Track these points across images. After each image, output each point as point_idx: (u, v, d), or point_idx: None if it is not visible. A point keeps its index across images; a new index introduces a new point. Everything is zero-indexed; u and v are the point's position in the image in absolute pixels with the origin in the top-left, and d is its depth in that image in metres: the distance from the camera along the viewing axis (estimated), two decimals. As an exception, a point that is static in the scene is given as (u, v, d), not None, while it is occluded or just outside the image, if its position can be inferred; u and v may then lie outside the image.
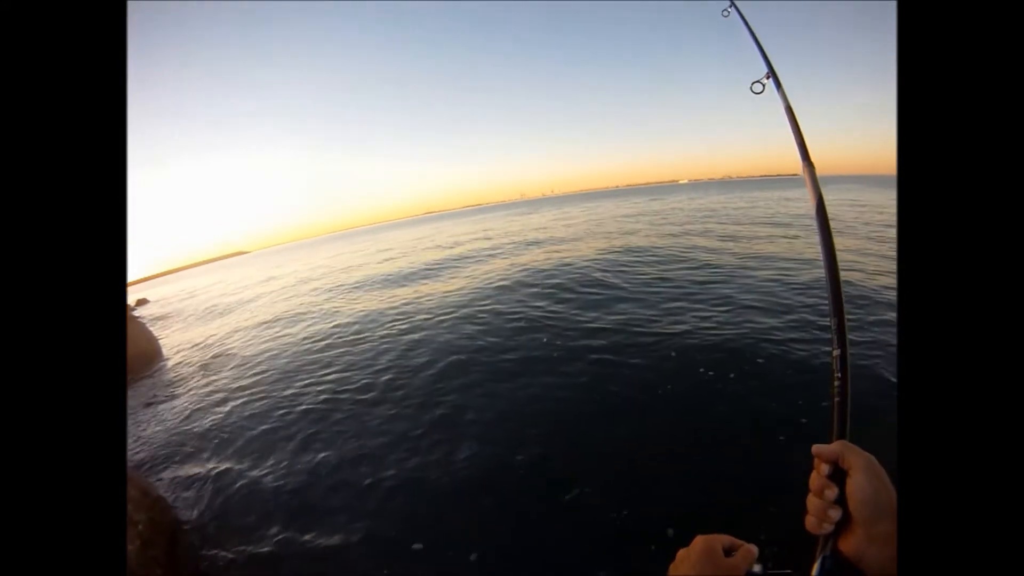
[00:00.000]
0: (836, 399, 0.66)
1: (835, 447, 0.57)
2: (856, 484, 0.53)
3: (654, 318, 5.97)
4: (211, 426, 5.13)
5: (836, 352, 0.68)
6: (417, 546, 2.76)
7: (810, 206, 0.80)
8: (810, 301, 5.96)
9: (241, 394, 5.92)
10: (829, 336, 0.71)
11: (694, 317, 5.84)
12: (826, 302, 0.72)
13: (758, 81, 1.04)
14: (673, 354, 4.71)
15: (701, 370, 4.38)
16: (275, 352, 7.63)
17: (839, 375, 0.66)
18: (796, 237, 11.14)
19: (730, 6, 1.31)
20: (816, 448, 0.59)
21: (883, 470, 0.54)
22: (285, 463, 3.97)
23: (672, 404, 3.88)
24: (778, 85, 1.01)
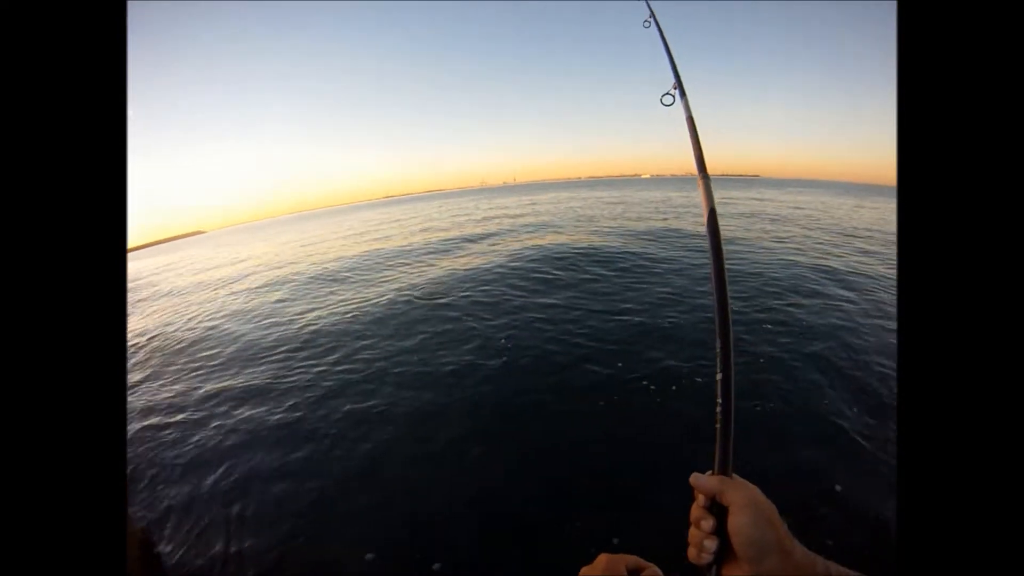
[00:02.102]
0: (718, 427, 0.61)
1: (713, 483, 0.56)
2: (737, 523, 0.51)
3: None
4: (165, 416, 4.86)
5: (719, 376, 0.63)
6: (370, 556, 2.67)
7: (703, 218, 0.77)
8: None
9: (189, 385, 5.68)
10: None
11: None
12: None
13: (668, 93, 1.03)
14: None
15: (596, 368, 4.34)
16: (225, 338, 7.30)
17: (721, 401, 0.62)
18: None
19: (650, 16, 1.32)
20: (693, 479, 0.58)
21: (769, 504, 0.53)
22: (240, 458, 3.81)
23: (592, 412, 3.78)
24: (683, 95, 1.01)
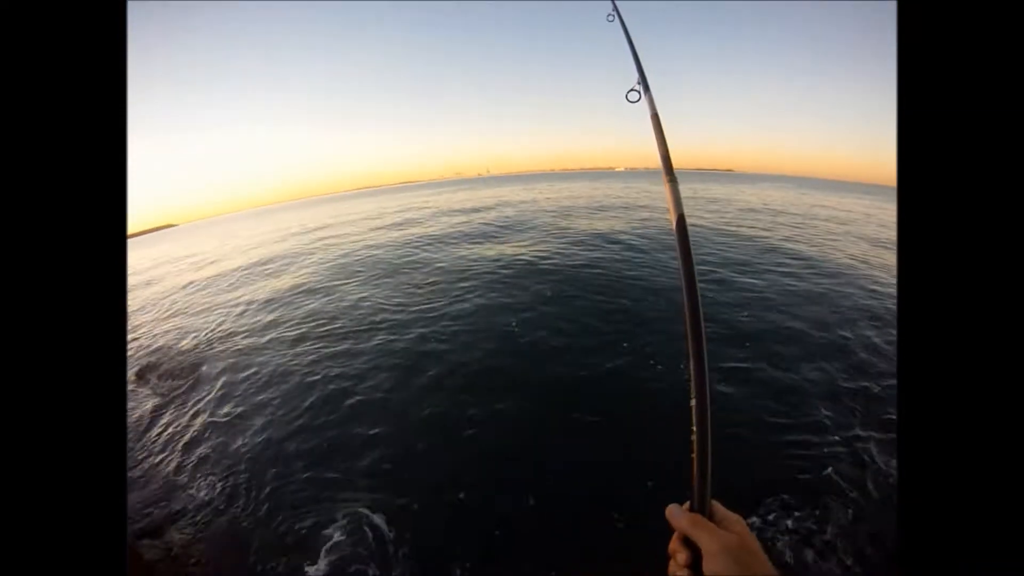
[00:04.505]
0: (694, 457, 0.54)
1: (684, 524, 0.51)
2: (710, 570, 0.47)
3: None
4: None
5: (693, 402, 0.55)
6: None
7: (671, 225, 0.70)
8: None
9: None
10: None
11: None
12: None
13: (633, 89, 0.99)
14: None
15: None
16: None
17: (696, 430, 0.55)
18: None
19: (613, 10, 1.28)
20: (669, 512, 0.54)
21: (747, 547, 0.48)
22: (215, 461, 3.67)
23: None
24: (647, 90, 0.97)
